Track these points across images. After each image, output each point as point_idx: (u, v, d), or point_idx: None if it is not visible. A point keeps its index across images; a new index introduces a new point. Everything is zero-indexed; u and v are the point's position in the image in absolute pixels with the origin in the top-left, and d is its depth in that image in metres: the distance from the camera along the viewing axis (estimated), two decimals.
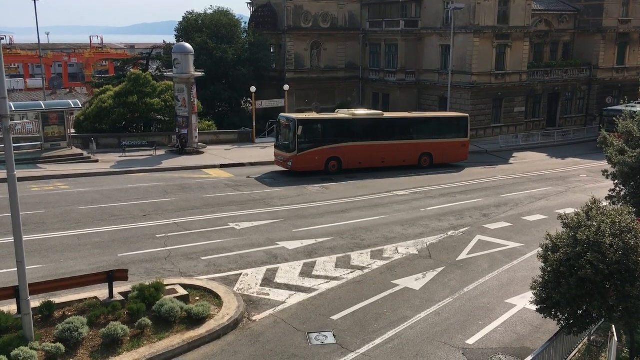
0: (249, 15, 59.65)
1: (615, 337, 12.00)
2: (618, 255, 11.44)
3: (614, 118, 45.23)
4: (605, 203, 14.26)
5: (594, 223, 12.08)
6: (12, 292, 13.70)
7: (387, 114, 38.78)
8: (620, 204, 18.07)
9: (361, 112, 38.12)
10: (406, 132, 37.65)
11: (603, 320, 13.08)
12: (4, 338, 12.77)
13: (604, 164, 21.25)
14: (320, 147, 34.64)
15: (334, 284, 17.95)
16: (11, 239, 13.99)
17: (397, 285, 17.97)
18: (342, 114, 36.97)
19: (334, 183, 32.97)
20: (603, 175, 20.53)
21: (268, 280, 18.01)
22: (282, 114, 37.06)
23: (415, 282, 18.28)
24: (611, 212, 12.46)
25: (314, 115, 37.59)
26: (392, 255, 20.77)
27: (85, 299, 15.25)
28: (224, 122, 50.67)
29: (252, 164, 37.83)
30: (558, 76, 55.75)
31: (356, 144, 35.49)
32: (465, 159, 39.47)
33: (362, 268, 19.37)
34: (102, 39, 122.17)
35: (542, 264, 12.80)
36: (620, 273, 11.53)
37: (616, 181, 19.64)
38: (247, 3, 60.48)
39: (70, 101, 40.75)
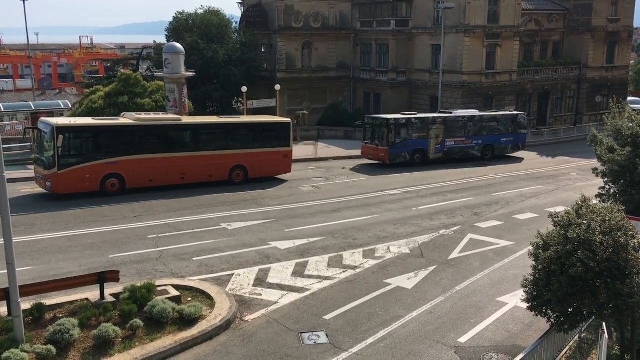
0: (240, 15, 59.56)
1: (606, 335, 12.10)
2: (608, 253, 11.51)
3: (377, 127, 38.61)
4: (595, 201, 14.33)
5: (584, 221, 12.14)
6: (3, 294, 13.57)
7: (187, 119, 32.57)
8: (610, 201, 18.17)
9: (151, 116, 31.08)
10: (213, 141, 31.34)
11: (594, 317, 13.15)
12: None
13: (594, 162, 21.37)
14: (93, 162, 27.66)
15: (326, 283, 17.95)
16: (1, 241, 13.90)
17: (389, 284, 17.99)
18: (127, 118, 30.30)
19: (326, 183, 32.99)
20: (593, 173, 20.67)
21: (260, 281, 17.99)
22: (42, 119, 29.66)
23: (407, 281, 18.31)
24: (601, 210, 12.54)
25: (84, 120, 30.32)
26: (384, 254, 20.80)
27: (77, 300, 15.15)
28: None
29: None
30: (548, 75, 56.12)
31: (144, 157, 28.86)
32: (289, 171, 33.70)
33: (354, 267, 19.38)
34: (92, 39, 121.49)
35: (533, 262, 12.86)
36: (610, 271, 11.61)
37: (606, 179, 19.76)
38: (238, 3, 60.40)
39: (60, 102, 40.63)
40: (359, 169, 37.57)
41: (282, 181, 33.21)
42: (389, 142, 37.85)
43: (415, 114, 40.64)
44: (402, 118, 39.08)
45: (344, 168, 37.64)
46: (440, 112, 42.54)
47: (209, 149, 30.92)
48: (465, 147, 41.07)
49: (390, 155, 38.09)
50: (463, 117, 40.94)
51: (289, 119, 35.41)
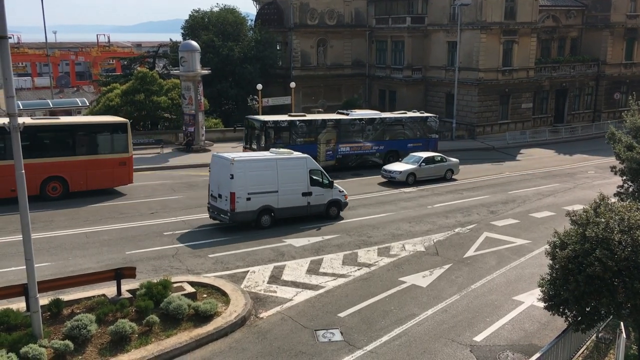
0: (255, 13, 59.73)
1: (624, 334, 11.93)
2: (627, 252, 11.37)
3: (256, 130, 33.44)
4: (613, 199, 14.17)
5: (602, 220, 12.00)
6: (21, 290, 13.79)
7: None
8: (629, 200, 17.95)
9: None
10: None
11: (611, 317, 13.02)
12: (13, 335, 12.85)
13: (612, 160, 21.14)
14: None
15: (340, 281, 17.95)
16: (20, 237, 14.08)
17: (404, 282, 17.95)
18: None
19: (340, 180, 32.95)
20: (611, 171, 20.44)
21: (275, 278, 18.04)
22: None
23: (422, 279, 18.26)
24: (619, 208, 12.39)
25: None
26: (399, 252, 20.75)
27: (94, 296, 15.33)
28: (231, 120, 50.77)
29: None
30: (566, 72, 55.51)
31: None
32: (130, 182, 28.68)
33: (369, 265, 19.36)
34: (109, 38, 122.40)
35: (550, 261, 12.75)
36: (629, 270, 11.46)
37: (624, 177, 19.54)
38: (253, 0, 60.54)
39: (77, 100, 41.10)
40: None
41: (120, 194, 28.20)
42: (268, 147, 31.94)
43: (304, 116, 36.05)
44: (283, 120, 34.70)
45: None
46: (337, 113, 38.47)
47: (6, 158, 23.96)
48: (364, 153, 36.33)
49: None
50: (360, 119, 36.51)
51: (125, 120, 29.62)
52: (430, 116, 39.72)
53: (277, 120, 34.61)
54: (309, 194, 24.16)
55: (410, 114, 39.44)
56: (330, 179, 25.10)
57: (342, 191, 25.45)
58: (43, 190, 26.14)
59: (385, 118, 37.92)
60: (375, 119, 37.17)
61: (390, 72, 55.89)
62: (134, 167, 34.17)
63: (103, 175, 27.69)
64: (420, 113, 40.03)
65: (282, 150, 25.01)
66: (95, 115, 36.62)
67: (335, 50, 56.75)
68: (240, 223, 22.79)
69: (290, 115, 35.88)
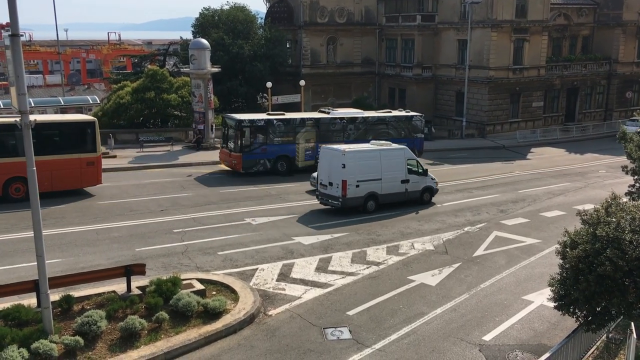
0: (265, 11, 59.80)
1: (635, 335, 11.86)
2: (638, 252, 11.30)
3: (232, 129, 32.41)
4: (624, 199, 14.06)
5: (614, 219, 11.93)
6: (32, 286, 13.91)
7: None
8: None
9: None
10: None
11: (622, 317, 12.93)
12: (24, 331, 12.95)
13: (624, 160, 21.01)
14: None
15: (349, 279, 17.95)
16: (31, 233, 14.20)
17: (413, 280, 17.92)
18: None
19: None
20: (622, 170, 20.31)
21: (284, 275, 18.07)
22: None
23: (431, 277, 18.22)
24: (631, 208, 12.31)
25: None
26: (408, 250, 20.71)
27: (104, 292, 15.42)
28: None
29: None
30: (577, 70, 55.14)
31: None
32: (98, 182, 27.68)
33: (377, 263, 19.34)
34: (119, 36, 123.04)
35: (560, 261, 12.69)
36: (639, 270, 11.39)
37: (636, 177, 19.41)
38: None
39: (88, 97, 41.33)
40: (206, 180, 31.97)
41: (88, 195, 27.34)
42: (243, 147, 32.14)
43: (283, 115, 34.65)
44: (260, 119, 33.46)
45: (189, 176, 32.55)
46: (319, 112, 37.19)
47: None
48: None
49: (245, 163, 32.42)
50: (341, 118, 35.28)
51: (93, 118, 28.75)
52: (416, 115, 38.27)
53: (254, 119, 33.38)
54: (407, 181, 26.54)
55: (394, 113, 38.30)
56: (425, 168, 27.62)
57: (434, 179, 27.95)
58: (6, 192, 25.04)
59: (368, 117, 36.65)
60: (357, 118, 35.92)
61: (400, 70, 55.78)
62: (145, 165, 34.69)
63: (69, 176, 26.65)
64: (406, 112, 38.79)
65: (381, 142, 27.55)
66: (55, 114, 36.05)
67: (345, 49, 56.71)
68: (350, 208, 25.16)
69: (268, 114, 34.77)
